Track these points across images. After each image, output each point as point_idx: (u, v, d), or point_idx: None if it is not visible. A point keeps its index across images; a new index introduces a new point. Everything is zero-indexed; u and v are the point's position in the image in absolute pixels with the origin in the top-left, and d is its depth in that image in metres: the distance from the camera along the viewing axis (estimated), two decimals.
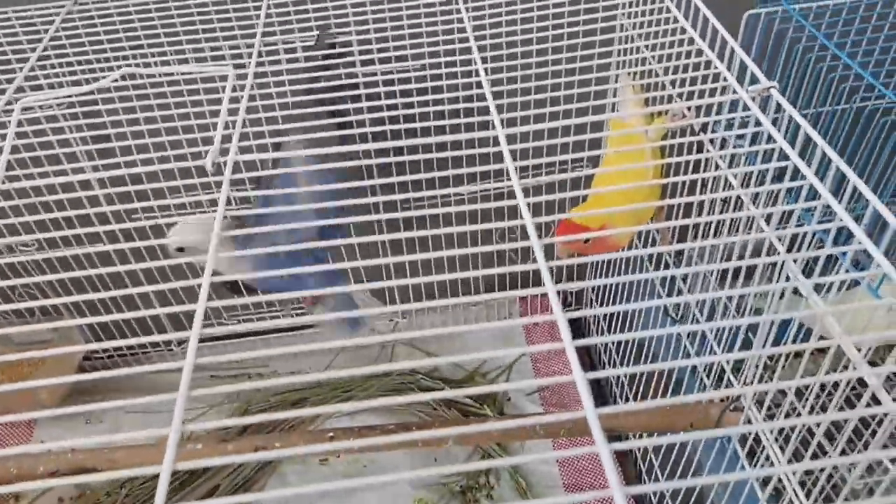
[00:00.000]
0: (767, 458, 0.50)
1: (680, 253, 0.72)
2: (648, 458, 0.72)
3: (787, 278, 0.39)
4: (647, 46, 0.58)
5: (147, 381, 0.86)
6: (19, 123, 0.44)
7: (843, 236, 0.36)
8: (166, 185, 0.41)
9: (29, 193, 0.40)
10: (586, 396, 0.28)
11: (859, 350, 0.34)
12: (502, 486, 0.76)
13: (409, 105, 0.49)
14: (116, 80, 0.45)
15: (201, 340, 0.31)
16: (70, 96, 0.43)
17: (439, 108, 0.47)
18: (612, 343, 0.84)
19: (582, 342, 0.31)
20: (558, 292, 0.32)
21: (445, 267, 0.45)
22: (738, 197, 0.46)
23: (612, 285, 0.84)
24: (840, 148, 0.60)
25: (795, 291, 0.41)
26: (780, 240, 0.41)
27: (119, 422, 0.85)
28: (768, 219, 0.45)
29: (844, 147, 0.61)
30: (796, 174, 0.39)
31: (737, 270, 0.50)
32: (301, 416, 0.79)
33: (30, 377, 0.81)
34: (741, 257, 0.43)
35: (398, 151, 0.44)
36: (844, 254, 0.36)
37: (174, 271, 0.51)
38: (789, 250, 0.42)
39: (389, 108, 0.61)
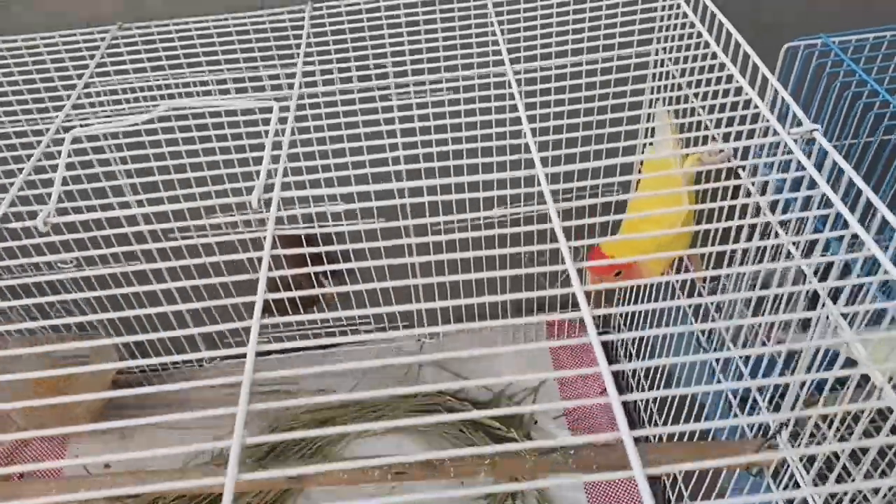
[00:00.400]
0: (792, 477, 0.50)
1: (713, 280, 0.72)
2: (678, 487, 0.72)
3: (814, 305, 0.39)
4: (685, 83, 0.58)
5: (177, 396, 0.88)
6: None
7: (871, 265, 0.36)
8: (208, 221, 0.42)
9: (77, 228, 0.41)
10: (622, 419, 0.28)
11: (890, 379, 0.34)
12: None
13: (443, 128, 0.50)
14: (162, 113, 0.46)
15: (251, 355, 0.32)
16: (118, 129, 0.44)
17: (473, 132, 0.48)
18: (641, 369, 0.83)
19: (617, 367, 0.31)
20: (593, 316, 0.33)
21: (474, 290, 0.46)
22: (770, 226, 0.46)
23: (640, 312, 0.84)
24: (876, 182, 0.59)
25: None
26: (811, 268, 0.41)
27: (154, 438, 0.86)
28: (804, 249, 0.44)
29: (881, 180, 0.61)
30: (827, 203, 0.39)
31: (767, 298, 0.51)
32: (334, 433, 0.80)
33: (65, 392, 0.83)
34: (769, 285, 0.43)
35: (430, 174, 0.45)
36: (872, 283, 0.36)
37: (208, 291, 0.52)
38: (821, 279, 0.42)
39: (423, 131, 0.61)
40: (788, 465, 0.51)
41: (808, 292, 0.45)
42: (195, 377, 0.92)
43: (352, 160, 0.54)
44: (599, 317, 0.95)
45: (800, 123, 0.42)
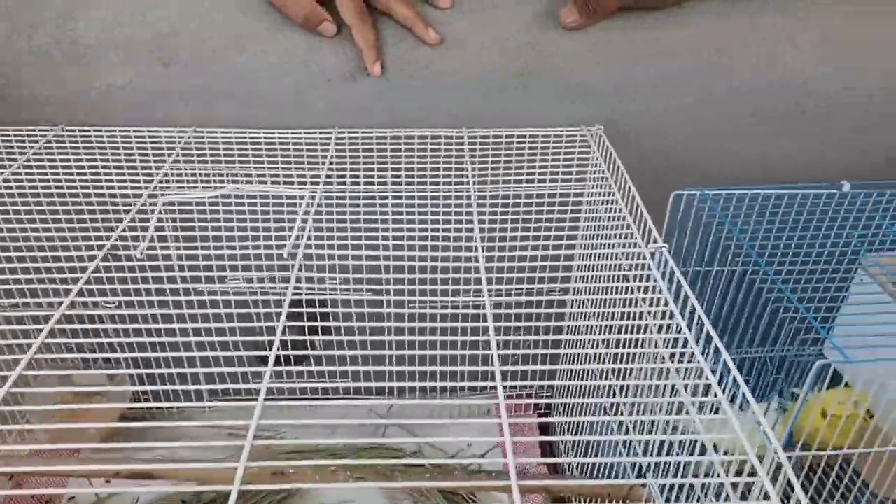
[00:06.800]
0: None
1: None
2: None
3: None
4: (601, 209, 0.80)
5: (177, 433, 1.02)
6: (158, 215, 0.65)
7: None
8: (244, 274, 0.61)
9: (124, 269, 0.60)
10: (511, 465, 0.40)
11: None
12: None
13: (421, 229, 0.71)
14: (226, 192, 0.67)
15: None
16: (200, 198, 0.65)
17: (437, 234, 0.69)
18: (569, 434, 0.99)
19: (536, 438, 0.47)
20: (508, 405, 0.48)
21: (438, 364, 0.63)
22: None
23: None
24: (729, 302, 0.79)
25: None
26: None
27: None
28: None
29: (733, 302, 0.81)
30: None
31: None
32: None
33: (81, 418, 0.97)
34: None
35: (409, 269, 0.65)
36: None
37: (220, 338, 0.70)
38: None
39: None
40: None
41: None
42: (196, 418, 1.07)
43: (352, 242, 0.74)
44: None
45: (656, 240, 0.63)
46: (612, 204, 0.73)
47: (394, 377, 0.97)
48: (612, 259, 0.75)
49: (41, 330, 0.48)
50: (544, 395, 1.12)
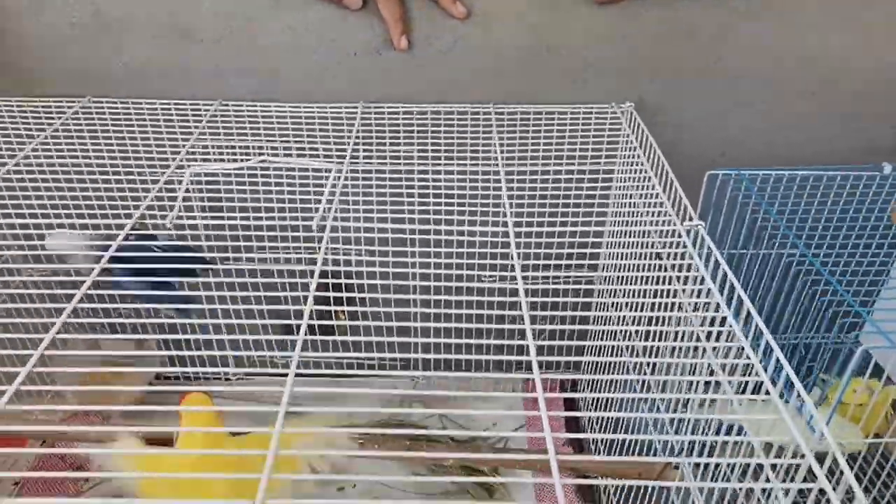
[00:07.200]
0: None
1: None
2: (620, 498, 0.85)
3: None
4: (633, 187, 0.78)
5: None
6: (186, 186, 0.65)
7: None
8: (269, 245, 0.60)
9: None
10: (550, 444, 0.39)
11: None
12: None
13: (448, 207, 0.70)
14: (253, 164, 0.66)
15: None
16: (227, 169, 0.64)
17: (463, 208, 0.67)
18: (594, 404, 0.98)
19: (565, 413, 0.47)
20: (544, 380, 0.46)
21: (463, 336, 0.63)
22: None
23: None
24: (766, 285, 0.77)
25: None
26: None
27: None
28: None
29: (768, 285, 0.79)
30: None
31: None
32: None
33: (112, 382, 0.99)
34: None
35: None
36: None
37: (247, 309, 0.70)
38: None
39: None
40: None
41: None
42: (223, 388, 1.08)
43: (378, 216, 0.74)
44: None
45: (692, 218, 0.61)
46: (644, 182, 0.71)
47: (419, 349, 0.97)
48: (643, 237, 0.73)
49: (72, 296, 0.48)
50: (570, 371, 1.11)
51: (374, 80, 0.89)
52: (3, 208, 0.73)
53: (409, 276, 0.76)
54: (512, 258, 0.56)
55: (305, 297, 0.50)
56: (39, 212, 0.78)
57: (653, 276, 0.64)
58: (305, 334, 0.47)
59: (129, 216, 0.62)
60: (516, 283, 0.52)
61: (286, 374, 0.42)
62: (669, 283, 0.59)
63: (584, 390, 1.07)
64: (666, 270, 0.61)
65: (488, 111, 0.85)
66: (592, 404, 1.00)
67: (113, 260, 0.52)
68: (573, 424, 1.04)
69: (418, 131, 0.85)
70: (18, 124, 0.82)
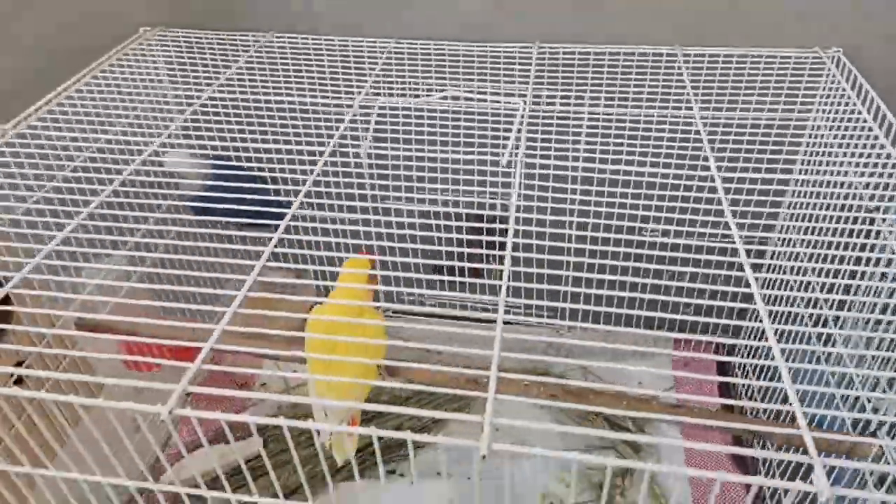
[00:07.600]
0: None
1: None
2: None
3: None
4: (833, 137, 0.72)
5: None
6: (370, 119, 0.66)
7: None
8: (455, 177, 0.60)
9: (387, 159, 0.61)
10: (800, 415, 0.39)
11: None
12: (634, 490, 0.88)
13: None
14: (439, 98, 0.66)
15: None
16: (416, 104, 0.65)
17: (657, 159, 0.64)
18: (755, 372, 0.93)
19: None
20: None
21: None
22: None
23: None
24: None
25: None
26: None
27: None
28: None
29: None
30: None
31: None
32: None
33: (273, 308, 1.05)
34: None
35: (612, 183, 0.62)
36: None
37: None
38: None
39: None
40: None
41: None
42: None
43: (572, 154, 0.72)
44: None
45: None
46: (859, 131, 0.64)
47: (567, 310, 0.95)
48: (843, 199, 0.67)
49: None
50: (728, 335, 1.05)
51: (546, 19, 0.86)
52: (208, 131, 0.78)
53: (605, 214, 0.73)
54: (725, 214, 0.53)
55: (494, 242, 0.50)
56: (239, 144, 0.81)
57: (857, 228, 0.59)
58: (509, 280, 0.48)
59: (321, 144, 0.64)
60: (732, 242, 0.50)
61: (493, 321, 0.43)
62: (882, 238, 0.54)
63: (741, 354, 1.02)
64: (878, 224, 0.55)
65: (674, 53, 0.80)
66: (763, 373, 0.95)
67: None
68: (725, 388, 0.99)
69: (593, 73, 0.82)
70: (209, 56, 0.86)
